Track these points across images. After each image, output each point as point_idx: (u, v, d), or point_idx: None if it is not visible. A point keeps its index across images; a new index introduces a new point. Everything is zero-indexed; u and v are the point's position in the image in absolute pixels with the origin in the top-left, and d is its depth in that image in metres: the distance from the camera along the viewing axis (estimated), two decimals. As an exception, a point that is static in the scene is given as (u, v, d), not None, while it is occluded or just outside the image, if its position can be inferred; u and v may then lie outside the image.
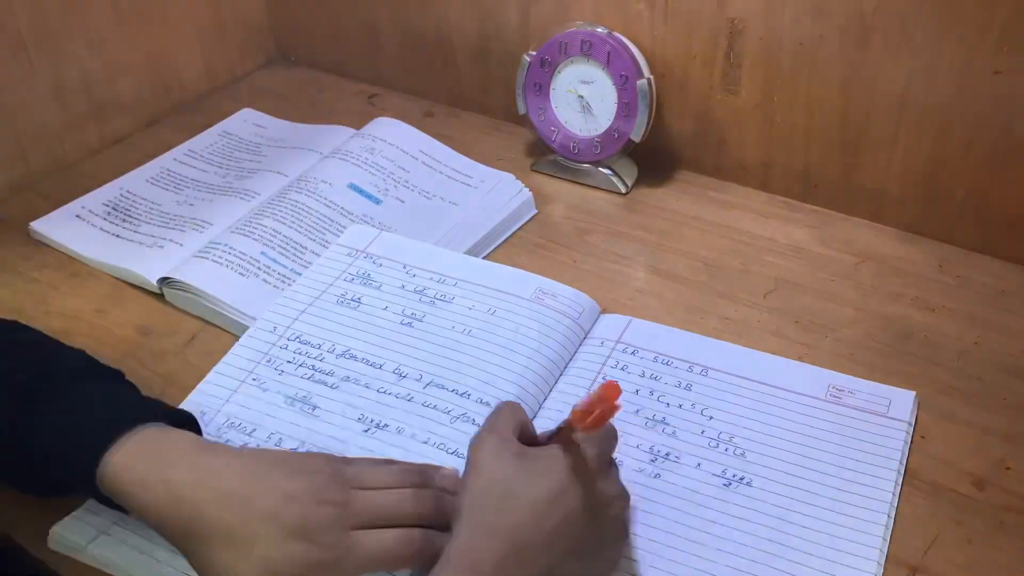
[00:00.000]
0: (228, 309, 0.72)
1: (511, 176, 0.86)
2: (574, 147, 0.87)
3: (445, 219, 0.82)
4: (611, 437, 0.54)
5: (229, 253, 0.76)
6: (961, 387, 0.66)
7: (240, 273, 0.74)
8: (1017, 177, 0.74)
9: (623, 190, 0.87)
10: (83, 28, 0.91)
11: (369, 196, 0.83)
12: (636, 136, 0.83)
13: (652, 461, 0.60)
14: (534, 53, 0.85)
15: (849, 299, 0.74)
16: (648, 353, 0.68)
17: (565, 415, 0.54)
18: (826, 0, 0.74)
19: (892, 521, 0.57)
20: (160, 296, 0.76)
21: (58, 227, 0.83)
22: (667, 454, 0.61)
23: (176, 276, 0.74)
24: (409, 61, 1.02)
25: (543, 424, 0.61)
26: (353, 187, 0.83)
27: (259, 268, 0.75)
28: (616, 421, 0.55)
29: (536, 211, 0.84)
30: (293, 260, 0.76)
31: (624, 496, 0.53)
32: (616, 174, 0.87)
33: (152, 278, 0.75)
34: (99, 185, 0.89)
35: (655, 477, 0.59)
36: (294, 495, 0.49)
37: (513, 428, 0.52)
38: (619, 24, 0.84)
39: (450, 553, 0.47)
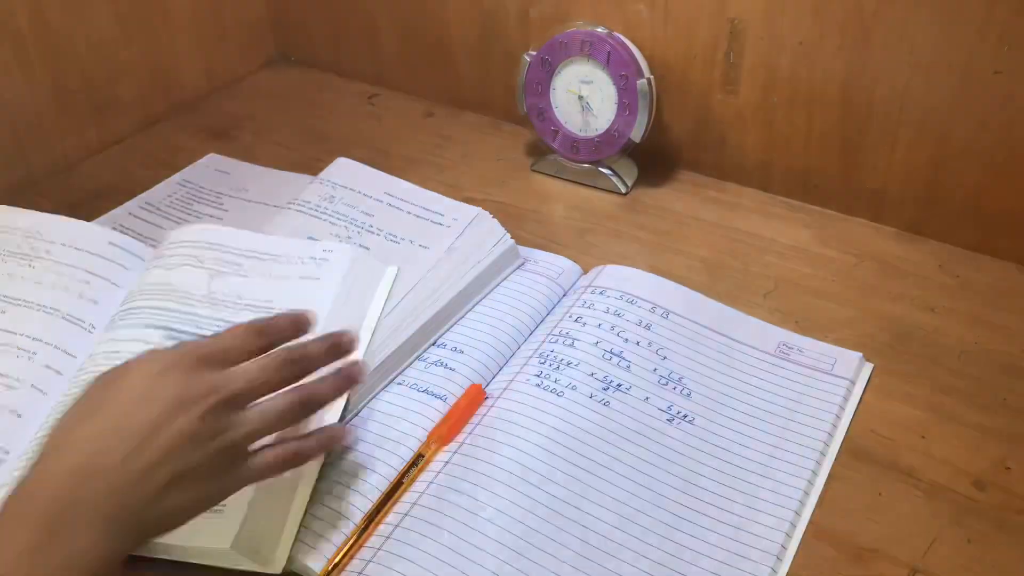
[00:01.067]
0: None
1: (486, 214, 0.78)
2: (574, 147, 0.87)
3: (416, 265, 0.74)
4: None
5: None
6: (961, 387, 0.66)
7: None
8: (1017, 177, 0.74)
9: (623, 190, 0.87)
10: (83, 28, 0.91)
11: None
12: (636, 136, 0.83)
13: (604, 389, 0.65)
14: (534, 53, 0.85)
15: (849, 299, 0.74)
16: (615, 292, 0.72)
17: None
18: (826, 0, 0.74)
19: (820, 475, 0.60)
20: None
21: None
22: (619, 385, 0.65)
23: None
24: (409, 61, 1.02)
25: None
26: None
27: None
28: (576, 351, 0.67)
29: (523, 260, 0.77)
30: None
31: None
32: (616, 174, 0.87)
33: None
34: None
35: (604, 404, 0.64)
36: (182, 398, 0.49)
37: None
38: (619, 24, 0.84)
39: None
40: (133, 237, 0.81)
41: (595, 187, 0.88)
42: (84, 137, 0.94)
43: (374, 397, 0.66)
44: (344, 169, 0.84)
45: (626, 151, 0.87)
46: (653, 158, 0.89)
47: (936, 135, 0.75)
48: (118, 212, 0.85)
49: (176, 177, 0.90)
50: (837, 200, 0.83)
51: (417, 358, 0.69)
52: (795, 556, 0.56)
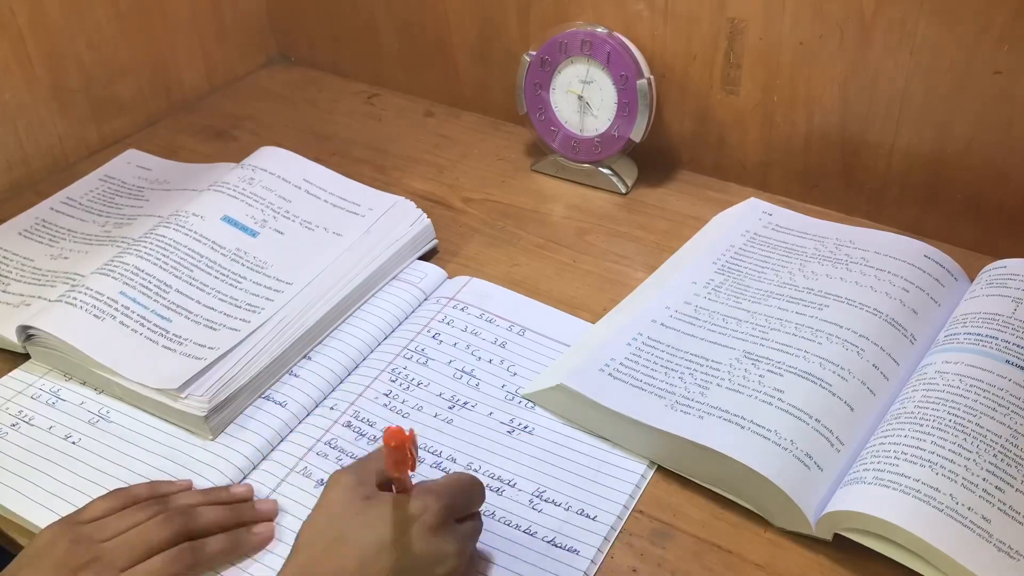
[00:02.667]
0: (83, 359, 0.66)
1: (407, 201, 0.81)
2: (574, 147, 0.87)
3: (327, 251, 0.76)
4: (463, 491, 0.54)
5: (85, 294, 0.69)
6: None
7: (95, 315, 0.68)
8: (1017, 177, 0.74)
9: (623, 190, 0.87)
10: (83, 28, 0.91)
11: (244, 228, 0.77)
12: (636, 136, 0.84)
13: (450, 408, 0.66)
14: (534, 53, 0.85)
15: (849, 299, 0.74)
16: (476, 310, 0.74)
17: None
18: (826, 0, 0.75)
19: (647, 478, 0.61)
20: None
21: None
22: (465, 403, 0.67)
23: (27, 323, 0.68)
24: (409, 61, 1.02)
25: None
26: (227, 219, 0.77)
27: (116, 310, 0.68)
28: (428, 369, 0.68)
29: (436, 240, 0.81)
30: (156, 300, 0.70)
31: (460, 554, 0.52)
32: (616, 174, 0.87)
33: (13, 335, 0.69)
34: (72, 209, 0.89)
35: (447, 422, 0.65)
36: None
37: (378, 471, 0.53)
38: (619, 24, 0.84)
39: None
40: (50, 233, 0.82)
41: (595, 187, 0.88)
42: (84, 137, 0.94)
43: (288, 372, 0.69)
44: (266, 155, 0.85)
45: (626, 151, 0.87)
46: (653, 158, 0.89)
47: (936, 135, 0.75)
48: (40, 207, 0.86)
49: (97, 173, 0.91)
50: (837, 200, 0.83)
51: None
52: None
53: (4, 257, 0.79)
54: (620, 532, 0.58)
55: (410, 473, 0.51)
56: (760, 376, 0.62)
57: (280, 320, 0.70)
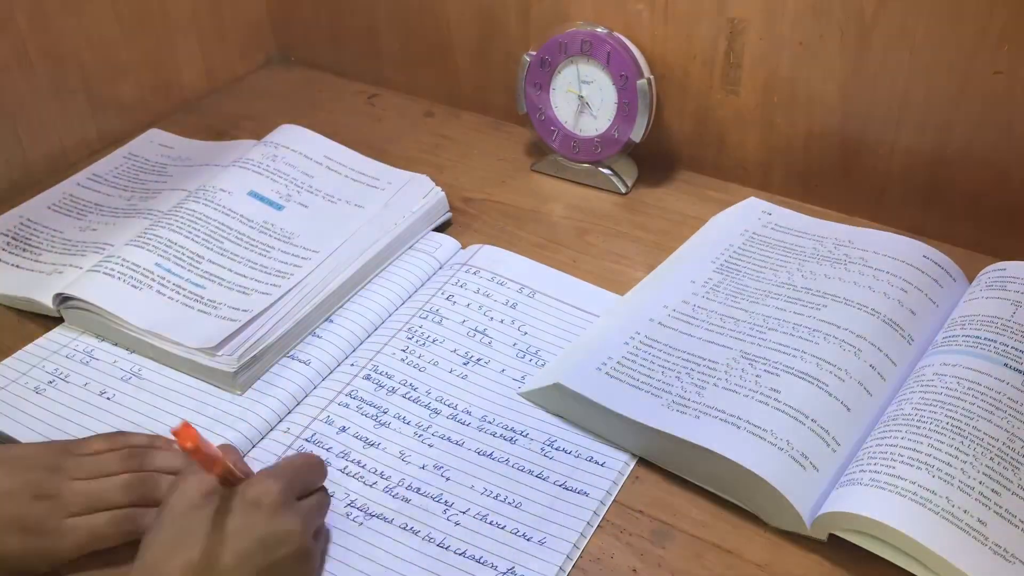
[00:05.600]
0: (121, 323, 0.70)
1: (423, 176, 0.84)
2: (574, 147, 0.87)
3: (350, 222, 0.80)
4: (301, 469, 0.55)
5: (122, 265, 0.73)
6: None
7: (133, 285, 0.72)
8: (1017, 177, 0.74)
9: (623, 190, 0.87)
10: (83, 28, 0.91)
11: (270, 202, 0.81)
12: (636, 136, 0.83)
13: (464, 364, 0.69)
14: (534, 53, 0.85)
15: (849, 299, 0.74)
16: (487, 274, 0.76)
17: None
18: (826, 0, 0.74)
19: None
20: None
21: None
22: (478, 360, 0.69)
23: (68, 292, 0.71)
24: (409, 61, 1.02)
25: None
26: (253, 194, 0.81)
27: (153, 279, 0.72)
28: (443, 328, 0.71)
29: (450, 212, 0.84)
30: (189, 270, 0.74)
31: (304, 532, 0.52)
32: (616, 174, 0.87)
33: (48, 300, 0.73)
34: (98, 185, 0.89)
35: (463, 378, 0.68)
36: (10, 492, 0.53)
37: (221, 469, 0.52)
38: (619, 24, 0.84)
39: None
40: (78, 207, 0.85)
41: (595, 187, 0.88)
42: (84, 137, 0.94)
43: (311, 333, 0.72)
44: (288, 133, 0.89)
45: (626, 151, 0.87)
46: (653, 158, 0.89)
47: (936, 135, 0.75)
48: (66, 184, 0.89)
49: (121, 151, 0.94)
50: (837, 200, 0.83)
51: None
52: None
53: (35, 230, 0.82)
54: (620, 532, 0.58)
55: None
56: (757, 376, 0.62)
57: (306, 285, 0.73)
